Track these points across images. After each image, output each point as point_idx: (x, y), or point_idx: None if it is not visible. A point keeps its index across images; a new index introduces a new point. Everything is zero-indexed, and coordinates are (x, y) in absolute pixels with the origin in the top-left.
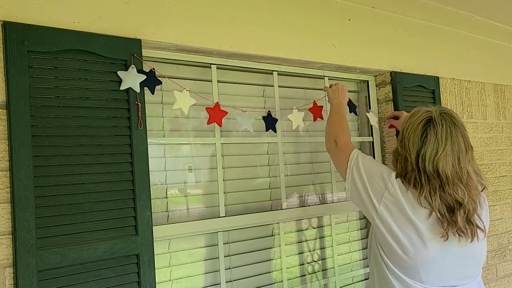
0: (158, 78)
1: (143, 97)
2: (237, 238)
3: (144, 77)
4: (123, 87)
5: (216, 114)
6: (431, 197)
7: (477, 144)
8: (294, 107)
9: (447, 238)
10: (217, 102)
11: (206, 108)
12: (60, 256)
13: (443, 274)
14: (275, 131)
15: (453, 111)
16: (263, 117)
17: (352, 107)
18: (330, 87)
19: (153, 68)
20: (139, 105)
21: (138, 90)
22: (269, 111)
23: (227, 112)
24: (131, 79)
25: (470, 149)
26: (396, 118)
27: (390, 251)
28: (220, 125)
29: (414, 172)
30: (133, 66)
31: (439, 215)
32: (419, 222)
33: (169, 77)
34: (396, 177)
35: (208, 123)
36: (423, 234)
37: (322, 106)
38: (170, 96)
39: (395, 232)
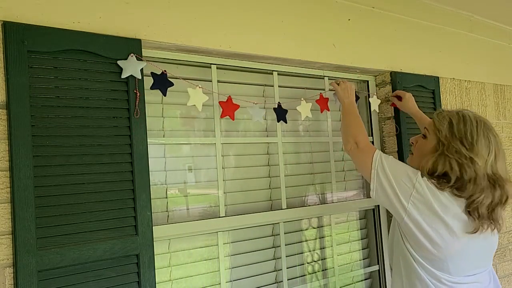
0: (170, 79)
1: (142, 87)
2: (237, 238)
3: (144, 63)
4: (124, 75)
5: (229, 107)
6: (483, 197)
7: None
8: (301, 98)
9: (476, 231)
10: (229, 96)
11: (219, 102)
12: (60, 256)
13: (468, 265)
14: (286, 122)
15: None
16: (274, 109)
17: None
18: (338, 84)
19: (165, 70)
20: (137, 94)
21: (139, 77)
22: (279, 102)
23: (239, 106)
24: (131, 67)
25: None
26: (399, 98)
27: (419, 246)
28: (233, 118)
29: (482, 175)
30: (132, 54)
31: (477, 213)
32: (449, 219)
33: (184, 78)
34: (422, 177)
35: (221, 117)
36: (452, 229)
37: (328, 98)
38: (170, 96)
39: (425, 229)
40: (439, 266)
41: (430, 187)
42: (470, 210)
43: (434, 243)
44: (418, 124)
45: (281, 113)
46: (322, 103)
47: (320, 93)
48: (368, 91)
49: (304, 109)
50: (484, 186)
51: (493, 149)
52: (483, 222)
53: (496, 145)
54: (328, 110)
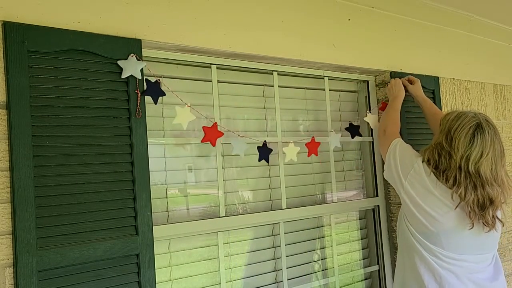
0: (162, 90)
1: (142, 87)
2: (237, 238)
3: (144, 63)
4: (124, 75)
5: (212, 133)
6: (465, 192)
7: None
8: (291, 141)
9: (473, 227)
10: (215, 122)
11: (203, 127)
12: (60, 256)
13: (462, 243)
14: (268, 162)
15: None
16: (258, 147)
17: (353, 130)
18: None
19: (159, 79)
20: (139, 94)
21: (139, 77)
22: (265, 141)
23: (223, 134)
24: (131, 67)
25: (504, 156)
26: (410, 83)
27: (414, 220)
28: (213, 145)
29: (456, 169)
30: (132, 54)
31: (469, 208)
32: (441, 195)
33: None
34: (423, 162)
35: (202, 141)
36: (445, 202)
37: (319, 143)
38: (171, 96)
39: (418, 202)
40: (433, 240)
41: (427, 169)
42: (459, 204)
43: (426, 216)
44: (423, 112)
45: (264, 152)
46: (312, 147)
47: (312, 136)
48: (368, 92)
49: (291, 152)
50: (461, 181)
51: (479, 150)
52: (475, 220)
53: (485, 147)
54: (316, 155)
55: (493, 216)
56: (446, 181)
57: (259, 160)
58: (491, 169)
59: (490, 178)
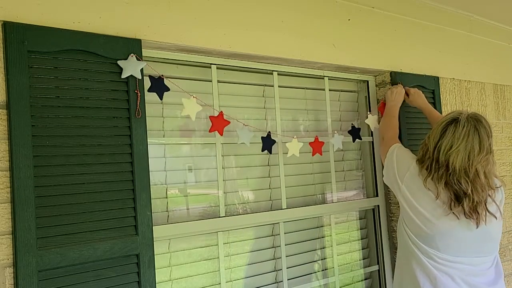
0: (166, 85)
1: (142, 87)
2: (237, 238)
3: (144, 63)
4: (124, 75)
5: (219, 123)
6: (437, 181)
7: None
8: (294, 136)
9: (459, 219)
10: (221, 111)
11: (210, 117)
12: (60, 256)
13: (458, 246)
14: (271, 153)
15: (483, 118)
16: (262, 137)
17: (355, 133)
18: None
19: (162, 75)
20: (138, 94)
21: (139, 77)
22: (269, 132)
23: (229, 122)
24: (131, 67)
25: (483, 152)
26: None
27: (411, 222)
28: (221, 134)
29: (430, 159)
30: (132, 54)
31: (444, 198)
32: (435, 198)
33: (173, 77)
34: (417, 162)
35: (210, 131)
36: (439, 203)
37: (323, 142)
38: (171, 96)
39: (414, 205)
40: (429, 242)
41: (419, 167)
42: (439, 194)
43: (422, 218)
44: (428, 119)
45: (268, 142)
46: (316, 146)
47: (316, 135)
48: (368, 92)
49: (293, 147)
50: (433, 168)
51: (448, 140)
52: (457, 212)
53: (455, 139)
54: (321, 154)
55: (473, 209)
56: (427, 170)
57: (262, 150)
58: (462, 161)
59: (460, 171)
